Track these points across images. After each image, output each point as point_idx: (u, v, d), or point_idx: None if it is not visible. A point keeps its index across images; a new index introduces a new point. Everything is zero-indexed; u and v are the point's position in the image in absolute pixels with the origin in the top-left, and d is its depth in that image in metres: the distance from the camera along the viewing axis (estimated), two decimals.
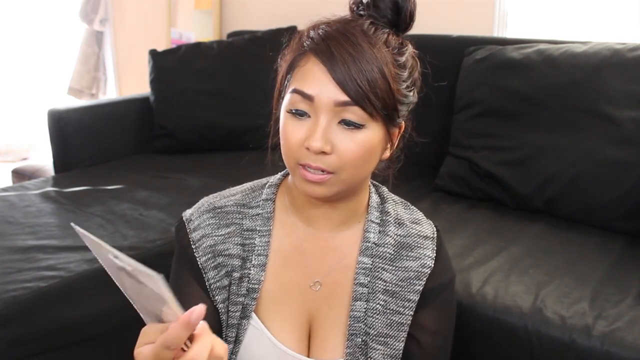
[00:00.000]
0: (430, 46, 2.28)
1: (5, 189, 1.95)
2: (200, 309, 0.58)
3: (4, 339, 1.29)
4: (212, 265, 0.86)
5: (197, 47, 2.49)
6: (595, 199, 1.60)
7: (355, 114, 0.76)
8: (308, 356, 0.87)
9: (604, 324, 1.16)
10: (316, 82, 0.76)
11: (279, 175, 0.93)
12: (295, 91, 0.78)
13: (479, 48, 1.92)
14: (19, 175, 2.66)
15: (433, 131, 2.04)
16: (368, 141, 0.78)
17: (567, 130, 1.66)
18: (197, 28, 3.09)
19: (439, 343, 0.90)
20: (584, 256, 1.44)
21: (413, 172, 1.98)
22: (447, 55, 2.00)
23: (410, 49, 0.84)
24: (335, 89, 0.75)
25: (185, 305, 0.81)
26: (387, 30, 0.82)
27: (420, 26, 2.67)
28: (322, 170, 0.77)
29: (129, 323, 1.50)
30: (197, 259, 0.86)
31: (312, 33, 0.81)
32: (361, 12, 0.84)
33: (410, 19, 0.84)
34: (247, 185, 0.93)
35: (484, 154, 1.79)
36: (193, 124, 2.36)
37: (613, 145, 1.59)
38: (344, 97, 0.75)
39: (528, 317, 1.21)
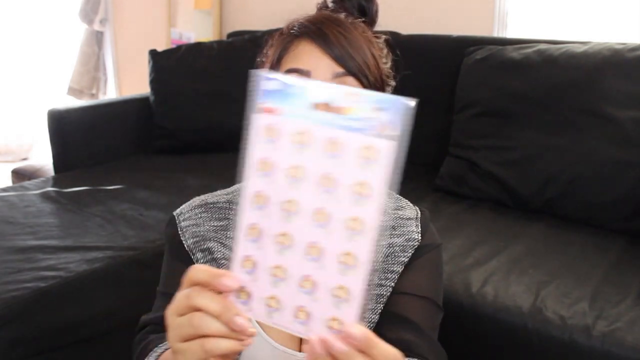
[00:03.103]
0: (430, 46, 2.30)
1: (5, 189, 1.95)
2: None
3: (4, 339, 1.29)
4: (200, 248, 0.84)
5: (197, 47, 2.49)
6: (595, 199, 1.60)
7: (351, 86, 0.76)
8: (300, 351, 0.86)
9: (604, 324, 1.16)
10: (311, 58, 0.76)
11: None
12: (290, 70, 0.77)
13: (479, 48, 1.92)
14: (19, 175, 2.66)
15: (433, 131, 2.04)
16: None
17: (567, 130, 1.66)
18: (197, 28, 3.09)
19: (420, 307, 0.84)
20: (584, 256, 1.44)
21: (413, 172, 1.99)
22: (447, 55, 2.01)
23: (383, 37, 0.86)
24: (330, 62, 0.76)
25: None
26: (360, 19, 0.84)
27: (421, 26, 2.67)
28: None
29: (129, 323, 1.50)
30: (184, 242, 0.84)
31: (296, 23, 0.81)
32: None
33: (375, 16, 0.86)
34: (236, 185, 0.93)
35: (484, 154, 1.79)
36: (193, 124, 2.36)
37: (613, 145, 1.59)
38: (340, 69, 0.76)
39: (528, 317, 1.21)
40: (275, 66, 0.81)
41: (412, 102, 0.41)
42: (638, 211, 1.55)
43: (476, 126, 1.84)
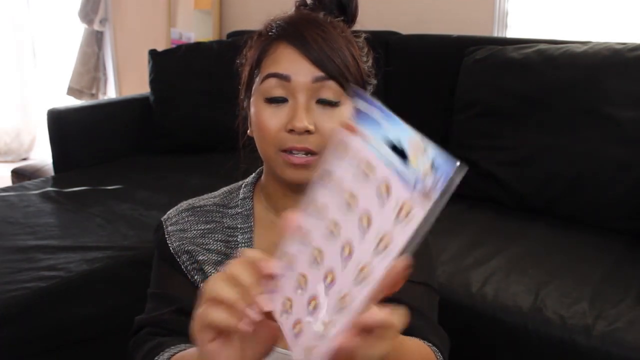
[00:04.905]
0: (430, 46, 2.29)
1: (5, 189, 1.95)
2: None
3: (4, 339, 1.29)
4: (185, 249, 0.84)
5: (197, 47, 2.49)
6: (595, 199, 1.60)
7: (331, 89, 0.76)
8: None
9: (604, 324, 1.16)
10: (290, 63, 0.76)
11: (253, 175, 0.92)
12: (270, 75, 0.76)
13: (479, 48, 1.92)
14: (19, 175, 2.66)
15: (433, 131, 2.04)
16: (345, 118, 0.78)
17: (567, 130, 1.66)
18: (197, 28, 3.09)
19: (419, 293, 0.82)
20: (584, 256, 1.44)
21: None
22: (447, 55, 2.00)
23: (363, 35, 0.85)
24: (310, 66, 0.75)
25: (173, 296, 0.80)
26: (340, 18, 0.83)
27: (421, 26, 2.66)
28: (307, 152, 0.76)
29: (129, 323, 1.50)
30: (170, 245, 0.84)
31: (274, 24, 0.81)
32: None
33: (355, 13, 0.85)
34: (224, 189, 0.93)
35: (484, 154, 1.79)
36: (193, 124, 2.36)
37: (613, 145, 1.58)
38: (320, 73, 0.75)
39: (528, 317, 1.21)
40: (255, 69, 0.80)
41: (458, 163, 0.41)
42: (638, 211, 1.55)
43: (476, 126, 1.84)
